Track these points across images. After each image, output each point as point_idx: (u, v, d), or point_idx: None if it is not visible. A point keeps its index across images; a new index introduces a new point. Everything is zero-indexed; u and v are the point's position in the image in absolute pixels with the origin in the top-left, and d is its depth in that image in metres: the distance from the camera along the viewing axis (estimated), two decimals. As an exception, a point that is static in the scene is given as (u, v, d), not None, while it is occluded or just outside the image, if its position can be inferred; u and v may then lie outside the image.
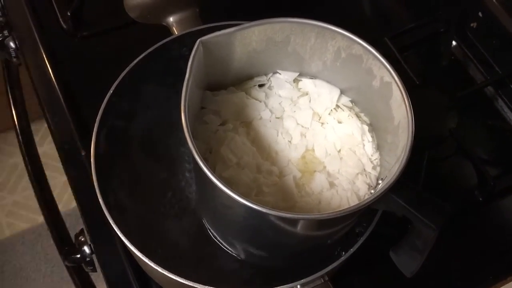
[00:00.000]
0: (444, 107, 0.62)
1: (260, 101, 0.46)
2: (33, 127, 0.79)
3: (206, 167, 0.34)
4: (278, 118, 0.45)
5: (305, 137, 0.44)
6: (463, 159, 0.60)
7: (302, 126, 0.44)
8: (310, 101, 0.46)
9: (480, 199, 0.58)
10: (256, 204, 0.33)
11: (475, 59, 0.66)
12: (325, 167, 0.43)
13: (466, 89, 0.63)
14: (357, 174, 0.43)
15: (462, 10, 0.66)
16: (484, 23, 0.65)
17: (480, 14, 0.65)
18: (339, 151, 0.44)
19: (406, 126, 0.37)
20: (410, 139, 0.37)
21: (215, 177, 0.34)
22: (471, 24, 0.66)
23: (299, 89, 0.47)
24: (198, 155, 0.35)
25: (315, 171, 0.42)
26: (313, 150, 0.43)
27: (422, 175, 0.57)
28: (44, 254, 1.28)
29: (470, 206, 0.58)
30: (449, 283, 0.54)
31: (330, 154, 0.43)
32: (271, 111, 0.45)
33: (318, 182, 0.41)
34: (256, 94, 0.46)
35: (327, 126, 0.45)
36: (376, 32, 0.68)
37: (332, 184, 0.42)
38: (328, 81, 0.47)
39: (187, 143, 0.36)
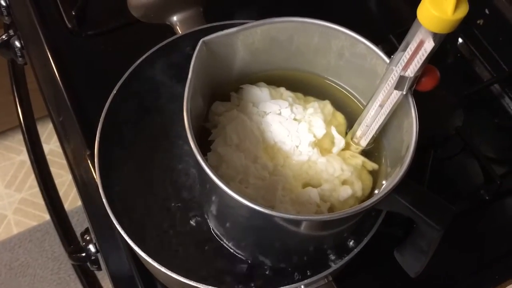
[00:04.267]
0: (450, 105, 0.62)
1: (285, 100, 0.45)
2: (40, 125, 0.79)
3: (205, 163, 0.34)
4: (296, 120, 0.43)
5: (313, 148, 0.42)
6: (469, 158, 0.59)
7: (314, 135, 0.43)
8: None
9: (487, 198, 0.57)
10: (252, 202, 0.33)
11: (481, 57, 0.65)
12: (321, 185, 0.41)
13: (472, 87, 0.63)
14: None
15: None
16: (490, 20, 0.64)
17: (486, 11, 0.64)
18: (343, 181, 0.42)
19: (411, 127, 0.37)
20: (414, 139, 0.36)
21: (212, 172, 0.34)
22: (478, 21, 0.66)
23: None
24: (199, 153, 0.35)
25: (309, 185, 0.41)
26: (315, 162, 0.42)
27: (427, 174, 0.57)
28: (52, 252, 1.28)
29: (476, 205, 0.58)
30: (454, 283, 0.54)
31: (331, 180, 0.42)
32: (292, 111, 0.44)
33: (307, 195, 0.40)
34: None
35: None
36: (382, 29, 0.67)
37: (323, 203, 0.40)
38: (334, 79, 0.47)
39: (189, 144, 0.36)
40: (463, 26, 0.65)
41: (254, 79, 0.46)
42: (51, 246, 1.29)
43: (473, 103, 0.63)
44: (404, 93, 0.37)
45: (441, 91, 0.63)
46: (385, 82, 0.38)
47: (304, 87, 0.47)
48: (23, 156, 1.39)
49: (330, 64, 0.45)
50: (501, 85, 0.64)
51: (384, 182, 0.41)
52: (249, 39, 0.42)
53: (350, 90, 0.47)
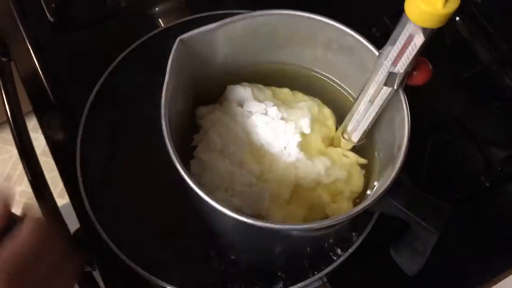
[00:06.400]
0: (448, 89, 0.59)
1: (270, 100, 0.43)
2: (33, 121, 0.77)
3: (182, 168, 0.33)
4: (283, 119, 0.41)
5: (300, 150, 0.40)
6: (469, 143, 0.57)
7: (301, 135, 0.41)
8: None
9: (487, 184, 0.55)
10: (238, 214, 0.31)
11: (480, 37, 0.62)
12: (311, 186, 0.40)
13: (471, 69, 0.60)
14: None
15: (465, -17, 0.62)
16: (489, -3, 0.61)
17: (485, -12, 0.61)
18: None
19: (402, 125, 0.35)
20: (406, 139, 0.34)
21: (191, 179, 0.32)
22: (476, -1, 0.63)
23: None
24: (179, 163, 0.33)
25: (298, 187, 0.40)
26: (304, 164, 0.40)
27: (425, 161, 0.55)
28: (53, 243, 1.28)
29: (476, 192, 0.56)
30: (455, 272, 0.52)
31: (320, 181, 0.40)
32: (278, 109, 0.41)
33: (297, 200, 0.39)
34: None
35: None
36: (375, 10, 0.64)
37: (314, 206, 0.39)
38: (321, 72, 0.44)
39: (166, 146, 0.34)
40: (461, 5, 0.62)
41: (239, 75, 0.44)
42: (53, 238, 1.29)
43: (472, 86, 0.60)
44: (395, 88, 0.35)
45: (439, 74, 0.61)
46: (375, 77, 0.35)
47: (291, 80, 0.45)
48: (21, 149, 1.38)
49: (318, 56, 0.42)
50: (501, 66, 0.61)
51: (376, 183, 0.39)
52: (231, 34, 0.40)
53: (339, 83, 0.44)
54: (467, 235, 0.54)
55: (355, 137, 0.41)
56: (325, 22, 0.38)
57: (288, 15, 0.38)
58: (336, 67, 0.43)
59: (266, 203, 0.37)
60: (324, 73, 0.44)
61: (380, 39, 0.61)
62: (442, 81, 0.60)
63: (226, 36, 0.39)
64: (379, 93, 0.36)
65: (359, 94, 0.38)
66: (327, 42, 0.40)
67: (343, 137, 0.42)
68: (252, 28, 0.40)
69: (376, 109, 0.37)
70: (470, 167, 0.58)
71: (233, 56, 0.42)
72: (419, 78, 0.35)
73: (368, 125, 0.39)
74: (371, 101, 0.37)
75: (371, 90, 0.36)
